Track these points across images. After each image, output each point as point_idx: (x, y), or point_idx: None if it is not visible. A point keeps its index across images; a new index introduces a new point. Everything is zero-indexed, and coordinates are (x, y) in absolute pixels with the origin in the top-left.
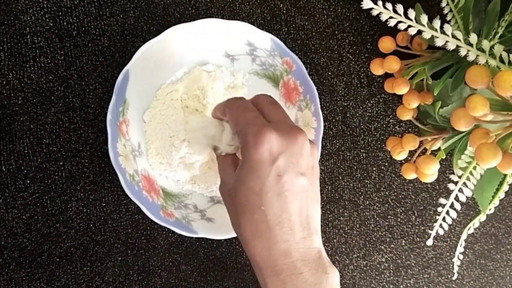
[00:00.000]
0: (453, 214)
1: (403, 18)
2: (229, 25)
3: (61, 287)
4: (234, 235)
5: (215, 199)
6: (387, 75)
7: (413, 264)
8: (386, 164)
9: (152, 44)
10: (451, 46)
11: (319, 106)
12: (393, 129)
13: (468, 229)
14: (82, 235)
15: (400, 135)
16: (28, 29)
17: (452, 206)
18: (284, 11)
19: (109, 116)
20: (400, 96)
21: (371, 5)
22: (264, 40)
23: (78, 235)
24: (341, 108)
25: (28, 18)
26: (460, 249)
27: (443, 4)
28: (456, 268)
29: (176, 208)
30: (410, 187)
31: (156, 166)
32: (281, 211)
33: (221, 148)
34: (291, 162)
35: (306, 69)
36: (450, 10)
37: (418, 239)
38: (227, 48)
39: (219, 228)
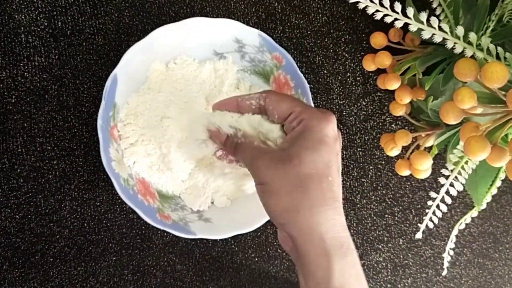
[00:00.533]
0: (444, 208)
1: (389, 11)
2: (216, 23)
3: (55, 287)
4: (231, 234)
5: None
6: (380, 72)
7: (410, 263)
8: (383, 162)
9: (139, 47)
10: (437, 38)
11: (311, 99)
12: (389, 127)
13: (460, 225)
14: (76, 234)
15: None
16: (22, 28)
17: (442, 200)
18: (279, 10)
19: (99, 122)
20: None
21: None
22: (252, 36)
23: (72, 235)
24: (337, 106)
25: (23, 17)
26: (450, 244)
27: None
28: (446, 264)
29: (173, 210)
30: (407, 186)
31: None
32: (338, 186)
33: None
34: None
35: (302, 68)
36: (439, 5)
37: (415, 237)
38: (216, 46)
39: (217, 228)
